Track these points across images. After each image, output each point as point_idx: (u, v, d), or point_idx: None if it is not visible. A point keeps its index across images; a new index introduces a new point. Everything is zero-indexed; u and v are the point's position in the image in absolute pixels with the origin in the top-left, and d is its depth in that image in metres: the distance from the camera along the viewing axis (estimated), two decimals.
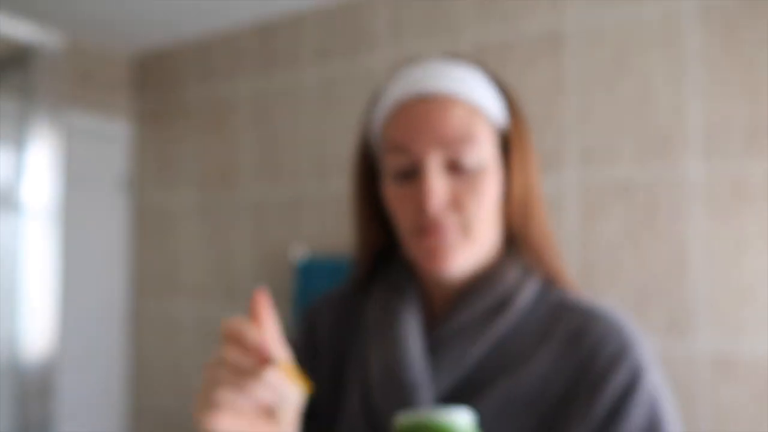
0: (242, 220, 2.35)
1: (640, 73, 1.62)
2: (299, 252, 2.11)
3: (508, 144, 0.64)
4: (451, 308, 0.63)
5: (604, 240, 1.65)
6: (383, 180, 0.65)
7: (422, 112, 0.60)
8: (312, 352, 0.72)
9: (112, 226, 2.64)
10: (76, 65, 2.50)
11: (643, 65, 1.62)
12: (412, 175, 0.61)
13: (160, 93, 2.63)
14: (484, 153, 0.61)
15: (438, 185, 0.59)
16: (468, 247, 0.61)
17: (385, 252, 0.72)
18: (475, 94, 0.61)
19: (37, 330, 1.26)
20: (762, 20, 1.49)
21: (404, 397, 0.59)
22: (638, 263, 1.60)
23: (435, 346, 0.63)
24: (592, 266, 1.66)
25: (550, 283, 0.66)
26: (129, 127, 2.70)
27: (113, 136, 2.64)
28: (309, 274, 2.04)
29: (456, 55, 0.67)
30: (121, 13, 2.25)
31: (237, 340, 0.48)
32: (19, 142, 1.33)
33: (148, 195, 2.65)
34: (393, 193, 0.63)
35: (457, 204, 0.60)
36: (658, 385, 0.58)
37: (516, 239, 0.66)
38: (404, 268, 0.69)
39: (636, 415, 0.56)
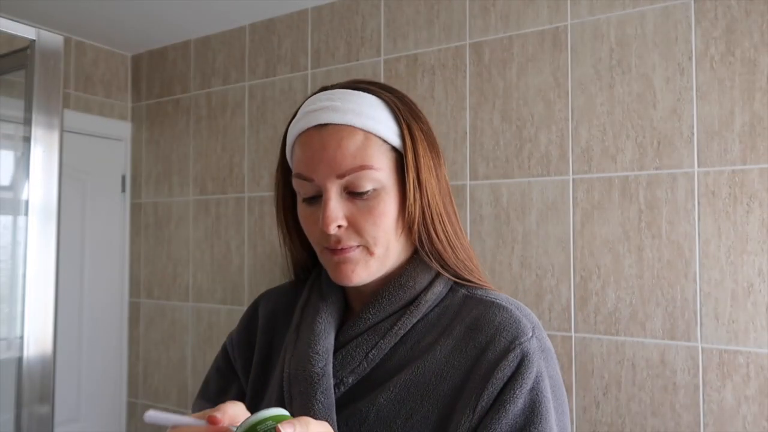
0: (242, 220, 2.35)
1: (640, 73, 1.62)
2: None
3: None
4: (363, 309, 0.69)
5: (605, 240, 1.65)
6: (297, 198, 0.71)
7: (320, 143, 0.66)
8: (247, 345, 0.79)
9: (112, 225, 2.64)
10: (76, 65, 2.50)
11: (643, 65, 1.62)
12: (317, 198, 0.67)
13: (160, 93, 2.63)
14: (380, 177, 0.65)
15: (336, 212, 0.64)
16: (372, 262, 0.67)
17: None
18: (369, 122, 0.66)
19: (36, 330, 1.26)
20: (761, 20, 1.49)
21: (307, 388, 0.64)
22: (638, 263, 1.60)
23: (345, 342, 0.68)
24: (592, 266, 1.66)
25: (459, 282, 0.71)
26: (129, 127, 2.70)
27: (113, 136, 2.64)
28: None
29: (359, 82, 0.72)
30: (121, 13, 2.25)
31: None
32: (19, 141, 1.33)
33: (148, 195, 2.65)
34: (302, 213, 0.70)
35: (356, 228, 0.65)
36: (543, 372, 0.62)
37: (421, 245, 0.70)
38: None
39: (517, 402, 0.60)
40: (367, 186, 0.65)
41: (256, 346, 0.77)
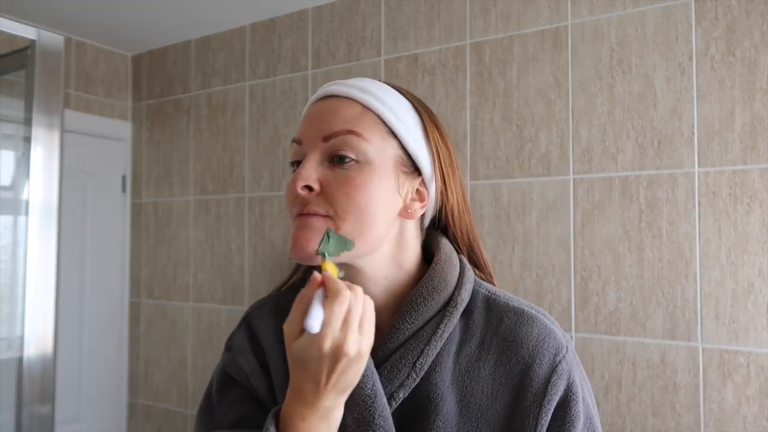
0: (242, 221, 2.35)
1: (641, 73, 1.62)
2: None
3: (436, 156, 0.68)
4: (398, 318, 0.64)
5: (605, 240, 1.65)
6: None
7: (318, 109, 0.66)
8: (264, 368, 0.69)
9: (112, 225, 2.64)
10: (77, 65, 2.50)
11: (643, 65, 1.62)
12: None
13: (160, 93, 2.63)
14: (366, 149, 0.63)
15: (309, 172, 0.62)
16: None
17: None
18: (370, 99, 0.65)
19: (37, 330, 1.26)
20: (762, 20, 1.48)
21: (363, 413, 0.59)
22: (639, 263, 1.60)
23: (386, 356, 0.63)
24: (593, 266, 1.66)
25: (479, 275, 0.71)
26: (129, 127, 2.70)
27: (114, 136, 2.64)
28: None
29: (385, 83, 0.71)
30: (122, 13, 2.25)
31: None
32: (19, 141, 1.33)
33: (149, 195, 2.65)
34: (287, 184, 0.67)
35: (326, 195, 0.62)
36: (582, 380, 0.64)
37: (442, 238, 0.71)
38: None
39: (580, 417, 0.61)
40: (349, 152, 0.62)
41: (270, 368, 0.69)
